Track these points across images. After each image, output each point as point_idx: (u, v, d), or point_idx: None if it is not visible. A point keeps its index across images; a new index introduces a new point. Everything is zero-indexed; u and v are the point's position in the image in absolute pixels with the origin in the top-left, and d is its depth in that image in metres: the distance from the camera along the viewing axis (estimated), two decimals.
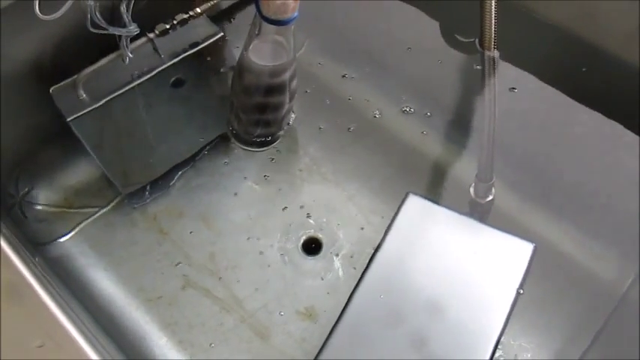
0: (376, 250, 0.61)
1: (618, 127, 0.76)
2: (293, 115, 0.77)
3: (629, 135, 0.75)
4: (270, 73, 0.66)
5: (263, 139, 0.75)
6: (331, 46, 0.86)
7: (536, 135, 0.78)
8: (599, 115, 0.77)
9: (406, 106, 0.79)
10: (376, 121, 0.78)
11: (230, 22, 0.87)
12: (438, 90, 0.82)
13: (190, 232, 0.70)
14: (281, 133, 0.75)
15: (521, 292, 0.58)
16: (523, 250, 0.60)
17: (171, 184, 0.73)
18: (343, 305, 0.59)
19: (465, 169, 0.75)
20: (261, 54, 0.64)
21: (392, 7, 0.89)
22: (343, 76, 0.82)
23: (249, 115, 0.72)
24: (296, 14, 0.59)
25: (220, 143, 0.76)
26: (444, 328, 0.56)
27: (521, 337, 0.63)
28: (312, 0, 0.79)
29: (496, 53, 0.67)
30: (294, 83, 0.69)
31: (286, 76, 0.66)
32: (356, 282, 0.60)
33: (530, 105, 0.79)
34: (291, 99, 0.70)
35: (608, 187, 0.73)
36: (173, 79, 0.77)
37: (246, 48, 0.64)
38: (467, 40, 0.83)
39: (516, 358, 0.62)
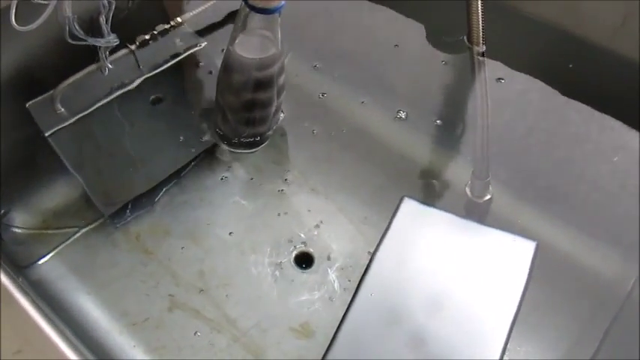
0: (372, 257, 0.59)
1: (611, 121, 0.76)
2: (282, 115, 0.75)
3: (624, 128, 0.75)
4: (258, 66, 0.64)
5: (252, 140, 0.72)
6: (315, 53, 0.85)
7: (529, 132, 0.76)
8: (591, 109, 0.76)
9: (394, 110, 0.78)
10: (362, 127, 0.77)
11: (212, 33, 0.85)
12: (424, 92, 0.81)
13: (177, 251, 0.67)
14: (270, 133, 0.73)
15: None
16: (525, 248, 0.59)
17: (155, 200, 0.70)
18: (339, 320, 0.57)
19: (458, 171, 0.73)
20: (248, 47, 0.63)
21: (376, 12, 0.89)
22: (329, 81, 0.81)
23: (237, 114, 0.70)
24: (283, 3, 0.58)
25: (205, 158, 0.74)
26: (448, 334, 0.54)
27: (526, 342, 0.60)
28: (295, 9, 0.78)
29: (484, 48, 0.66)
30: (282, 79, 0.67)
31: (274, 69, 0.64)
32: (352, 294, 0.58)
33: (520, 101, 0.79)
34: (279, 95, 0.68)
35: (606, 183, 0.72)
36: (153, 96, 0.75)
37: (231, 42, 0.63)
38: (453, 40, 0.82)
39: None
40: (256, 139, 0.73)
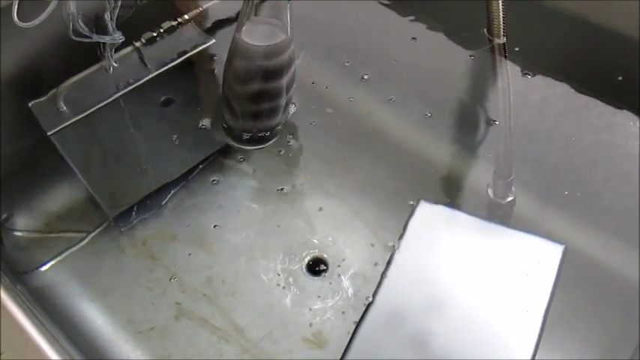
0: (389, 262, 0.56)
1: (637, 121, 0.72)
2: (293, 107, 0.72)
3: None
4: (265, 54, 0.62)
5: (262, 135, 0.70)
6: (328, 53, 0.83)
7: (552, 130, 0.74)
8: (616, 109, 0.73)
9: (410, 109, 0.75)
10: (378, 127, 0.75)
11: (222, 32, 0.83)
12: (443, 91, 0.78)
13: (184, 256, 0.64)
14: (279, 128, 0.70)
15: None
16: (552, 252, 0.55)
17: (162, 204, 0.67)
18: (353, 329, 0.55)
19: (479, 172, 0.70)
20: (255, 34, 0.61)
21: (391, 11, 0.87)
22: (343, 81, 0.79)
23: (245, 106, 0.67)
24: None
25: (214, 160, 0.71)
26: (472, 345, 0.51)
27: (554, 353, 0.57)
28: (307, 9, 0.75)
29: (504, 40, 0.63)
30: (293, 69, 0.64)
31: (283, 58, 0.62)
32: (367, 301, 0.55)
33: (543, 98, 0.76)
34: (289, 87, 0.65)
35: (634, 185, 0.68)
36: (164, 97, 0.73)
37: (238, 30, 0.60)
38: (471, 36, 0.80)
39: None
40: (266, 133, 0.70)
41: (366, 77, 0.79)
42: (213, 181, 0.70)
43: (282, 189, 0.69)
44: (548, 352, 0.56)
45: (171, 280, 0.62)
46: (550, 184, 0.69)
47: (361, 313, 0.56)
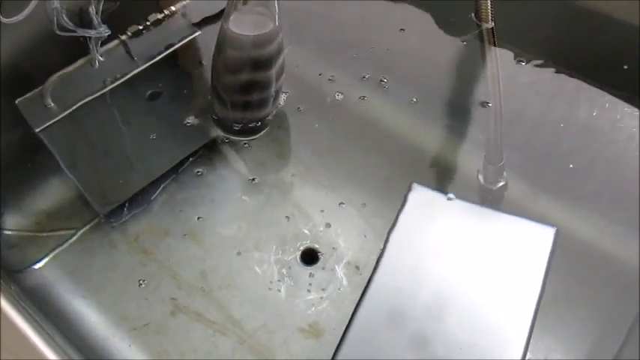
0: (383, 249, 0.56)
1: (625, 106, 0.72)
2: (283, 96, 0.71)
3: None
4: (254, 44, 0.61)
5: (252, 125, 0.69)
6: (315, 42, 0.82)
7: (542, 115, 0.73)
8: (605, 93, 0.73)
9: (398, 97, 0.75)
10: (367, 115, 0.74)
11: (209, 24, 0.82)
12: (431, 77, 0.78)
13: (177, 251, 0.64)
14: (270, 118, 0.70)
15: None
16: (544, 235, 0.55)
17: (152, 198, 0.67)
18: (349, 317, 0.54)
19: (469, 158, 0.70)
20: (243, 24, 0.60)
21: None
22: (330, 72, 0.78)
23: (234, 97, 0.67)
24: None
25: (204, 154, 0.71)
26: (466, 329, 0.51)
27: (548, 336, 0.57)
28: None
29: (492, 24, 0.62)
30: (281, 58, 0.64)
31: (272, 47, 0.61)
32: (362, 290, 0.55)
33: (532, 83, 0.76)
34: (278, 77, 0.64)
35: (621, 165, 0.69)
36: (150, 91, 0.72)
37: (225, 20, 0.60)
38: (457, 20, 0.79)
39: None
40: (256, 124, 0.69)
41: (355, 66, 0.79)
42: (204, 174, 0.69)
43: (273, 181, 0.69)
44: (542, 334, 0.57)
45: (165, 275, 0.62)
46: (541, 169, 0.69)
47: (355, 301, 0.56)
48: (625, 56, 0.75)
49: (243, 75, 0.64)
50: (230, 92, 0.66)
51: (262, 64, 0.63)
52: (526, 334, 0.50)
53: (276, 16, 0.60)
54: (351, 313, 0.56)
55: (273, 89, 0.66)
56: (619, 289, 0.60)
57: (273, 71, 0.64)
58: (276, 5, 0.59)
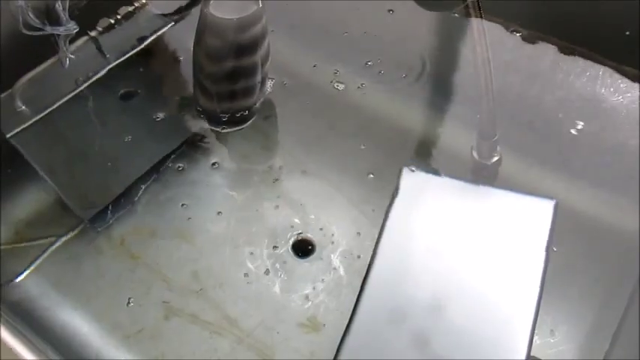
0: (379, 237, 0.55)
1: (617, 75, 0.72)
2: (269, 82, 0.69)
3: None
4: (237, 27, 0.58)
5: (239, 115, 0.67)
6: (297, 29, 0.80)
7: (528, 86, 0.73)
8: (598, 64, 0.73)
9: (380, 77, 0.74)
10: (352, 100, 0.73)
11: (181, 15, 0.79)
12: (416, 55, 0.77)
13: (166, 252, 0.62)
14: (257, 106, 0.67)
15: (555, 249, 0.52)
16: (543, 208, 0.54)
17: (135, 200, 0.65)
18: (349, 309, 0.52)
19: (461, 135, 0.68)
20: (224, 7, 0.57)
21: None
22: (314, 54, 0.77)
23: (219, 86, 0.64)
24: None
25: (186, 150, 0.69)
26: (472, 312, 0.49)
27: (553, 310, 0.56)
28: None
29: None
30: (267, 42, 0.61)
31: (257, 30, 0.59)
32: (360, 279, 0.54)
33: (520, 55, 0.75)
34: (264, 62, 0.62)
35: (615, 134, 0.68)
36: (122, 90, 0.69)
37: (205, 5, 0.57)
38: None
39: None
40: (244, 113, 0.67)
41: (340, 51, 0.77)
42: (186, 170, 0.67)
43: (260, 173, 0.67)
44: (547, 310, 0.56)
45: (155, 279, 0.60)
46: (534, 140, 0.68)
47: (355, 293, 0.55)
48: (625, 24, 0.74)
49: (227, 62, 0.61)
50: (215, 82, 0.64)
51: (247, 49, 0.60)
52: (532, 314, 0.49)
53: None
54: (350, 305, 0.54)
55: (259, 75, 0.64)
56: (620, 258, 0.60)
57: (259, 56, 0.61)
58: None
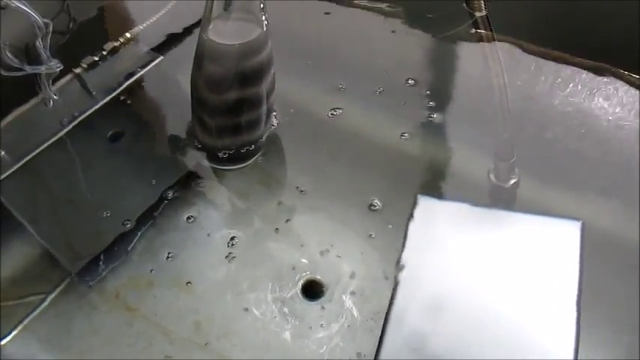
0: (397, 272, 0.51)
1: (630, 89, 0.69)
2: (275, 117, 0.65)
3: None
4: (241, 54, 0.53)
5: (244, 151, 0.62)
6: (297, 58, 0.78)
7: (541, 106, 0.70)
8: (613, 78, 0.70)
9: (389, 103, 0.71)
10: (354, 128, 0.70)
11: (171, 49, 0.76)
12: (425, 79, 0.75)
13: (165, 303, 0.57)
14: (262, 140, 0.63)
15: None
16: (570, 230, 0.51)
17: (129, 249, 0.60)
18: (366, 352, 0.51)
19: (475, 158, 0.65)
20: (225, 32, 0.52)
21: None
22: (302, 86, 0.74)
23: (221, 119, 0.59)
24: None
25: (181, 191, 0.65)
26: (507, 345, 0.45)
27: (596, 340, 0.52)
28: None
29: (485, 12, 0.58)
30: (272, 70, 0.57)
31: (262, 57, 0.54)
32: (379, 318, 0.51)
33: (535, 74, 0.73)
34: (270, 92, 0.57)
35: (636, 152, 0.66)
36: (111, 132, 0.66)
37: (204, 30, 0.52)
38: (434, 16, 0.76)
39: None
40: (248, 149, 0.62)
41: (327, 77, 0.74)
42: (183, 213, 0.63)
43: (261, 211, 0.64)
44: (590, 341, 0.52)
45: (155, 332, 0.55)
46: (552, 161, 0.65)
47: (370, 332, 0.51)
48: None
49: (229, 93, 0.57)
50: (215, 114, 0.59)
51: (251, 77, 0.56)
52: (573, 344, 0.45)
53: (263, 19, 0.53)
54: (366, 345, 0.50)
55: (264, 106, 0.60)
56: None
57: (264, 85, 0.57)
58: (261, 6, 0.52)
